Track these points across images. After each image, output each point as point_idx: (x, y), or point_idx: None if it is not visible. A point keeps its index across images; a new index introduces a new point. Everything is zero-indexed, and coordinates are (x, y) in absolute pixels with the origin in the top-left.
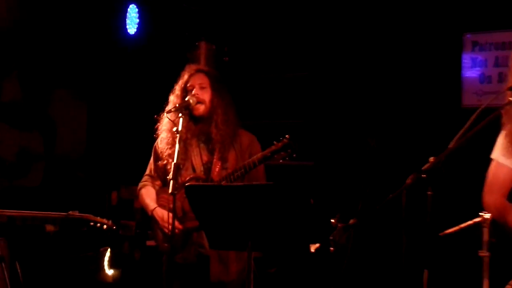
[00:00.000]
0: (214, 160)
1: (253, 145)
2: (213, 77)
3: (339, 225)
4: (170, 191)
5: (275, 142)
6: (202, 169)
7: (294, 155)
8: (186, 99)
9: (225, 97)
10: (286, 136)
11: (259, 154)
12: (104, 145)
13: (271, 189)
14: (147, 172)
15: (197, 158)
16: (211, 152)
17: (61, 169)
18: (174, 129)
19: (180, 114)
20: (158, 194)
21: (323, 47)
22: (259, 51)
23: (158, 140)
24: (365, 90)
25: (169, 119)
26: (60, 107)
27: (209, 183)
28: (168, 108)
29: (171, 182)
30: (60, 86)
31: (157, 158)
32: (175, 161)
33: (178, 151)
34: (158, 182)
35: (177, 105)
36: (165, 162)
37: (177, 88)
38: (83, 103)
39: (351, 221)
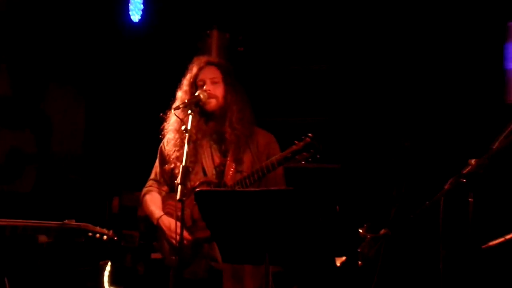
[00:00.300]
0: (228, 162)
1: (271, 146)
2: (226, 70)
3: (368, 236)
4: (178, 197)
5: (296, 142)
6: (214, 172)
7: (318, 156)
8: (196, 94)
9: (240, 92)
10: (309, 134)
11: (278, 155)
12: (104, 146)
13: (291, 194)
14: (152, 176)
15: (209, 161)
16: (224, 154)
17: (56, 173)
18: (183, 127)
19: (189, 111)
20: (164, 200)
21: (349, 35)
22: (277, 40)
23: (165, 141)
24: (397, 83)
25: (177, 116)
26: (55, 103)
27: (222, 188)
28: (175, 104)
29: (179, 187)
30: (55, 80)
31: (164, 161)
32: (183, 163)
33: (187, 153)
34: (164, 188)
35: (186, 101)
36: (172, 165)
37: (185, 83)
38: (81, 99)
39: (382, 231)
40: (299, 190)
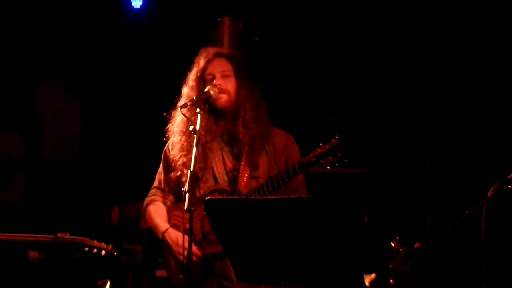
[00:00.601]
0: (241, 167)
1: (290, 148)
2: (237, 63)
3: (401, 250)
4: (185, 207)
5: (321, 144)
6: (226, 179)
7: (346, 160)
8: (206, 89)
9: (254, 87)
10: (336, 136)
11: (301, 160)
12: (103, 149)
13: (314, 203)
14: (156, 184)
15: (220, 165)
16: (237, 157)
17: (48, 180)
18: (191, 128)
19: (198, 110)
20: (170, 211)
21: (379, 22)
22: (297, 29)
23: (169, 144)
24: (433, 78)
25: (184, 116)
26: (47, 102)
27: (235, 197)
28: (181, 102)
29: (187, 195)
30: (46, 75)
31: (169, 167)
32: (191, 169)
33: (196, 157)
34: (170, 197)
35: (194, 98)
36: (178, 172)
37: (192, 78)
38: (76, 96)
39: (417, 244)
40: (323, 198)
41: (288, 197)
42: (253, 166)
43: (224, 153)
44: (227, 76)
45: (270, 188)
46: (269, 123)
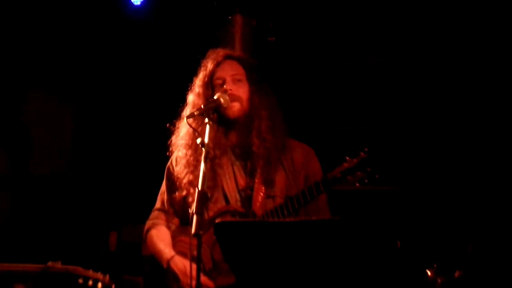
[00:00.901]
0: (256, 184)
1: (310, 162)
2: (250, 66)
3: (438, 280)
4: (193, 231)
5: (347, 158)
6: (238, 198)
7: (376, 176)
8: (215, 97)
9: (269, 94)
10: (365, 148)
11: (328, 176)
12: (98, 166)
13: (339, 226)
14: (158, 205)
15: (231, 183)
16: (250, 173)
17: (36, 200)
18: (198, 141)
19: (206, 119)
20: (175, 236)
21: (407, 20)
22: (317, 28)
23: (173, 160)
24: (472, 82)
25: (191, 126)
26: (35, 113)
27: (250, 219)
28: (187, 111)
29: (195, 218)
30: (36, 82)
31: (173, 185)
32: (199, 187)
33: (204, 173)
34: (174, 220)
35: (202, 107)
36: (184, 192)
37: (198, 84)
38: (68, 107)
39: (457, 273)
40: (349, 220)
41: (310, 220)
42: (269, 183)
43: (235, 168)
44: (239, 80)
45: (290, 209)
46: (286, 135)
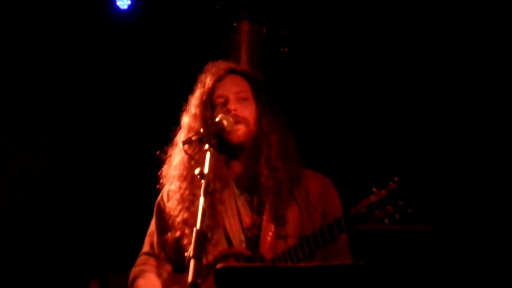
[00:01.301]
0: (264, 222)
1: (329, 195)
2: (257, 82)
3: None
4: (190, 279)
5: (374, 190)
6: (243, 239)
7: (409, 211)
8: (217, 119)
9: (280, 116)
10: (394, 178)
11: (352, 211)
12: (75, 204)
13: (365, 272)
14: (146, 249)
15: (235, 221)
16: (257, 210)
17: (3, 244)
18: (197, 171)
19: (206, 146)
20: (167, 286)
21: (443, 29)
22: (337, 37)
23: (164, 194)
24: None
25: (188, 154)
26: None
27: (257, 264)
28: (181, 136)
29: (192, 263)
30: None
31: (164, 225)
32: (197, 227)
33: (203, 210)
34: (166, 266)
35: (202, 131)
36: (178, 232)
37: (195, 103)
38: (41, 135)
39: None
40: (375, 266)
41: (330, 265)
42: (280, 221)
43: (239, 204)
44: (244, 99)
45: (305, 251)
46: (300, 163)
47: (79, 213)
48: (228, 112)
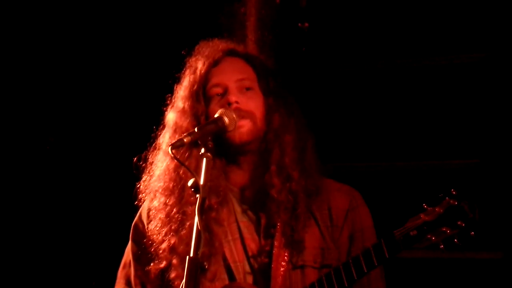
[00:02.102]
0: (276, 249)
1: (358, 212)
2: (264, 68)
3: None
4: None
5: (426, 206)
6: (248, 270)
7: (472, 234)
8: (216, 115)
9: (295, 111)
10: (452, 191)
11: (396, 234)
12: (34, 220)
13: None
14: (119, 285)
15: (237, 247)
16: (266, 232)
17: None
18: (190, 183)
19: (202, 150)
20: None
21: None
22: (367, 12)
23: (143, 214)
24: None
25: (179, 161)
26: None
27: None
28: (167, 138)
29: None
30: None
31: (144, 254)
32: (191, 254)
33: (198, 232)
34: None
35: (196, 130)
36: (163, 263)
37: (183, 94)
38: None
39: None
40: None
41: None
42: (296, 246)
43: (242, 226)
44: (248, 89)
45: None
46: (320, 172)
47: (37, 236)
48: (228, 105)
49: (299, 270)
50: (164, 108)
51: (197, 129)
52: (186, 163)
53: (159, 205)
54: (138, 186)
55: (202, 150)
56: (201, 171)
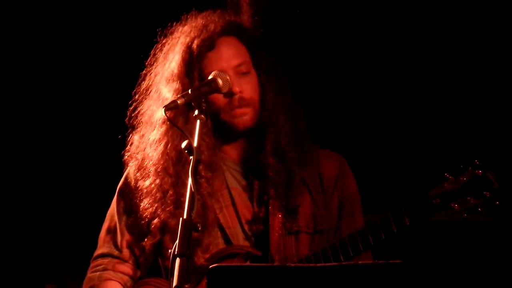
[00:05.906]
0: (271, 216)
1: (346, 178)
2: (255, 44)
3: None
4: (174, 283)
5: (448, 176)
6: (242, 235)
7: (497, 203)
8: (210, 77)
9: (285, 87)
10: (475, 160)
11: (419, 201)
12: (27, 196)
13: (406, 273)
14: (104, 249)
15: (229, 213)
16: (259, 199)
17: None
18: (183, 145)
19: (196, 112)
20: None
21: None
22: None
23: (131, 174)
24: None
25: (172, 123)
26: None
27: (263, 264)
28: (154, 93)
29: (177, 262)
30: None
31: (130, 215)
32: (185, 216)
33: (192, 194)
34: (132, 270)
35: (190, 91)
36: (157, 237)
37: (176, 72)
38: None
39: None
40: (427, 264)
41: (355, 263)
42: (290, 212)
43: (234, 192)
44: (245, 73)
45: (349, 253)
46: (310, 141)
47: (32, 205)
48: (231, 95)
49: (293, 235)
50: (144, 72)
51: (191, 90)
52: (185, 127)
53: (150, 168)
54: (123, 154)
55: (196, 112)
56: (195, 132)
